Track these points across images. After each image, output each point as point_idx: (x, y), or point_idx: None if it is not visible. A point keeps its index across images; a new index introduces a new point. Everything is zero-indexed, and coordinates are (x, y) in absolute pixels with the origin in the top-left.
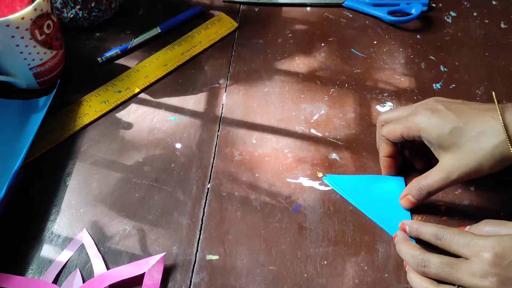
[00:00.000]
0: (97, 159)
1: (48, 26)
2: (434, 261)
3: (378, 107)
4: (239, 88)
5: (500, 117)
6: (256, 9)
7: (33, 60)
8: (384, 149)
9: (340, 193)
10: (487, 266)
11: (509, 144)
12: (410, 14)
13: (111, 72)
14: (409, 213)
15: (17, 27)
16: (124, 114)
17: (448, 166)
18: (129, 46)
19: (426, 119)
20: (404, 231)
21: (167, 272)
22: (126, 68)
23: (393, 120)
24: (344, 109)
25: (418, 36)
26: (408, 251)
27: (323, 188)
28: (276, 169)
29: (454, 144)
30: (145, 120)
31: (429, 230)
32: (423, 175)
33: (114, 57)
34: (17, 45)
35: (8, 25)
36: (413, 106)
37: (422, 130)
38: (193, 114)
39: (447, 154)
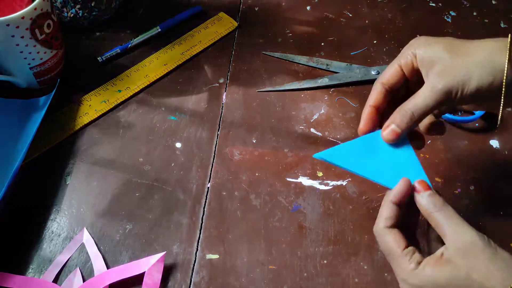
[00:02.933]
0: (97, 158)
1: (48, 25)
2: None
3: None
4: (239, 88)
5: (509, 39)
6: (256, 9)
7: (33, 59)
8: (373, 97)
9: (338, 165)
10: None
11: (508, 48)
12: (472, 113)
13: (111, 71)
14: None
15: (17, 27)
16: (124, 114)
17: (435, 79)
18: (129, 45)
19: (424, 40)
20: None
21: (167, 271)
22: (126, 67)
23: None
24: (344, 109)
25: (418, 35)
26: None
27: (323, 187)
28: (276, 168)
29: (444, 58)
30: (145, 119)
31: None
32: (407, 100)
33: (114, 56)
34: (17, 45)
35: (8, 25)
36: None
37: (418, 48)
38: (193, 113)
39: (436, 67)
